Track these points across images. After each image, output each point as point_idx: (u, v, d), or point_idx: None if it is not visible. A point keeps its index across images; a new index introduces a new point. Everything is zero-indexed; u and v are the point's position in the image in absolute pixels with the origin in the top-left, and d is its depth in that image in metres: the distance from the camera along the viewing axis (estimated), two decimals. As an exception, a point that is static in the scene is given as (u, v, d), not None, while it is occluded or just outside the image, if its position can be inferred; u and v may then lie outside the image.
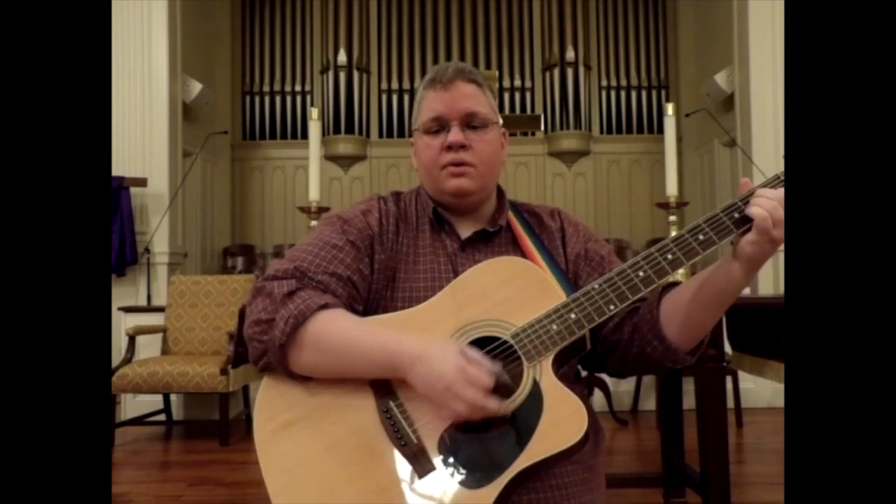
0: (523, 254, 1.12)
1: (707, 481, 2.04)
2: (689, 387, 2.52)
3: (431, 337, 0.98)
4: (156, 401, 3.86)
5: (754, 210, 0.91)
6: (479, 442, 0.93)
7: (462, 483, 0.91)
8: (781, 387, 3.66)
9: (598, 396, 3.83)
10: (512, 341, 0.97)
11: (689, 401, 2.34)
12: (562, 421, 0.92)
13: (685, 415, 2.45)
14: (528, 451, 0.91)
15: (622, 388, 4.02)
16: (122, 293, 4.66)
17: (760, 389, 4.03)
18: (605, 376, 3.62)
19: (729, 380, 3.37)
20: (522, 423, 0.93)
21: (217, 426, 3.50)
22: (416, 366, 0.93)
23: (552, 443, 0.91)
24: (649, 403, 4.07)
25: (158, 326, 3.92)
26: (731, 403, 3.53)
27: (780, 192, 0.92)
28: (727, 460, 2.04)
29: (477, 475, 0.91)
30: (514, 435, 0.92)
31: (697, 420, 2.10)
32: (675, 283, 1.07)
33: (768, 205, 0.90)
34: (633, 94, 6.77)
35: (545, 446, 0.91)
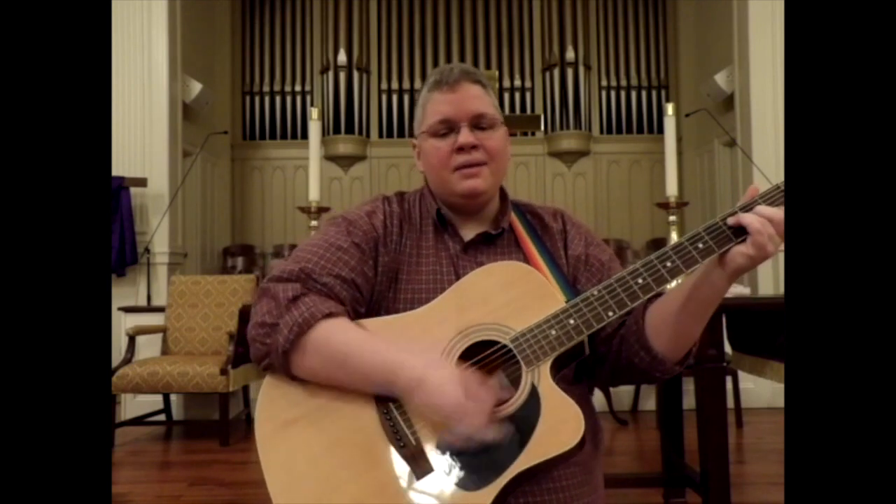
0: (525, 255, 1.12)
1: (707, 481, 2.04)
2: (689, 387, 2.53)
3: (431, 345, 0.99)
4: (156, 401, 3.86)
5: (749, 222, 0.91)
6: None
7: (459, 485, 0.92)
8: (781, 387, 3.66)
9: (597, 396, 3.83)
10: (511, 346, 0.97)
11: (689, 401, 2.34)
12: (559, 425, 0.93)
13: (685, 415, 2.45)
14: (526, 454, 0.92)
15: (622, 388, 4.02)
16: (122, 293, 4.66)
17: (760, 389, 4.03)
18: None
19: (729, 380, 3.36)
20: (520, 426, 0.93)
21: (217, 426, 3.50)
22: (414, 392, 0.93)
23: (549, 447, 0.92)
24: (649, 403, 4.07)
25: (158, 326, 3.92)
26: (731, 403, 3.53)
27: (777, 210, 0.91)
28: (727, 460, 2.04)
29: (474, 477, 0.92)
30: (511, 438, 0.92)
31: (697, 420, 2.10)
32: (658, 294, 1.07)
33: (761, 222, 0.90)
34: (633, 94, 6.77)
35: (542, 450, 0.92)
